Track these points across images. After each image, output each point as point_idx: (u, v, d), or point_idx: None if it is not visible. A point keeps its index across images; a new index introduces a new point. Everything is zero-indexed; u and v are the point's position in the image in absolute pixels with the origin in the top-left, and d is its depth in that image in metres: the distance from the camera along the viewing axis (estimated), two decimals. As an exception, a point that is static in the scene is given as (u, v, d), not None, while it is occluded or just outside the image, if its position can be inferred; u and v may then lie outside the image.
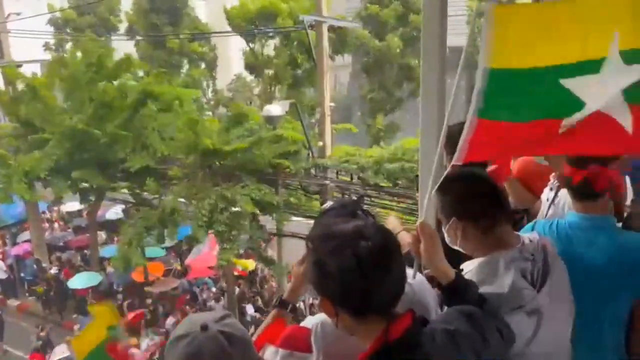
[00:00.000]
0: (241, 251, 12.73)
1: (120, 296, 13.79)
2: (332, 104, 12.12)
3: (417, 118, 2.04)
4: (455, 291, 1.43)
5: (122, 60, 13.09)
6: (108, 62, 12.70)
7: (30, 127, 12.91)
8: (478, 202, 1.61)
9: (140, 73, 14.57)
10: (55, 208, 18.44)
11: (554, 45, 1.39)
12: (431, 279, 1.56)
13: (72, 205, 16.88)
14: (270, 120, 11.47)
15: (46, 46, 24.16)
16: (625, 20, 1.36)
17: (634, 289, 1.80)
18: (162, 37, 21.91)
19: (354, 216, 1.57)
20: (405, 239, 1.67)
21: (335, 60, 18.84)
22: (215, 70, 25.02)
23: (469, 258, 1.69)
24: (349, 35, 17.93)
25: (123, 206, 15.92)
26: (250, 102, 21.80)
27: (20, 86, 13.51)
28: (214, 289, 13.90)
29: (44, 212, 17.88)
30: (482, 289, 1.50)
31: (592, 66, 1.38)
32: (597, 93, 1.40)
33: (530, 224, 2.07)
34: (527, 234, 1.73)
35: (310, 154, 11.85)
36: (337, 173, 11.88)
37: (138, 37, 22.95)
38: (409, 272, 1.49)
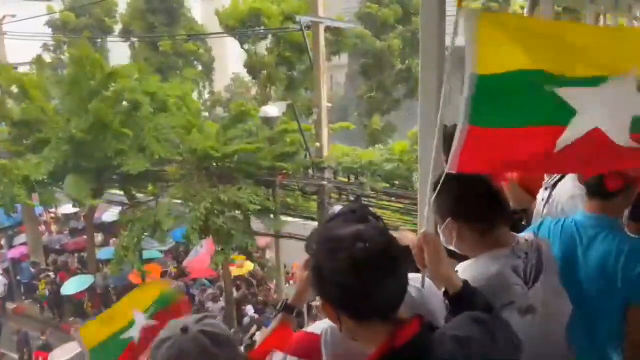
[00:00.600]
0: (236, 253, 12.77)
1: (116, 298, 13.75)
2: (329, 105, 12.11)
3: (413, 118, 2.04)
4: (463, 300, 1.40)
5: (118, 70, 13.04)
6: (102, 68, 12.61)
7: (25, 129, 12.86)
8: (475, 203, 1.61)
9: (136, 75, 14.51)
10: (52, 210, 18.37)
11: (544, 52, 1.37)
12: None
13: (68, 207, 16.81)
14: (268, 121, 11.46)
15: (44, 47, 24.10)
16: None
17: (627, 294, 1.78)
18: (158, 38, 21.88)
19: (363, 221, 1.54)
20: (407, 237, 1.66)
21: (332, 61, 18.84)
22: (212, 72, 25.00)
23: (466, 258, 1.69)
24: (347, 36, 17.93)
25: (120, 208, 15.87)
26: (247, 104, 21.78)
27: (15, 89, 13.45)
28: (211, 290, 13.88)
29: (40, 215, 17.81)
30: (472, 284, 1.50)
31: (592, 81, 1.36)
32: (591, 104, 1.37)
33: (538, 221, 2.07)
34: (523, 234, 1.73)
35: (308, 155, 11.85)
36: (334, 174, 11.88)
37: (133, 39, 22.90)
38: (416, 277, 1.47)
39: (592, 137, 1.40)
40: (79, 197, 12.00)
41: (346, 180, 12.04)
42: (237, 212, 11.13)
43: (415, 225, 2.18)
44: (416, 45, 19.51)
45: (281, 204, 11.61)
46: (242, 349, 10.42)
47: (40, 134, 12.40)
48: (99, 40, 23.03)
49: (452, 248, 1.67)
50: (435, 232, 1.70)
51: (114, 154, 11.71)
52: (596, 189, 1.85)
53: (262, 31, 16.49)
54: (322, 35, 11.32)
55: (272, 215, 11.51)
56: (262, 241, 14.03)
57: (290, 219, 12.03)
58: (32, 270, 15.35)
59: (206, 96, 24.96)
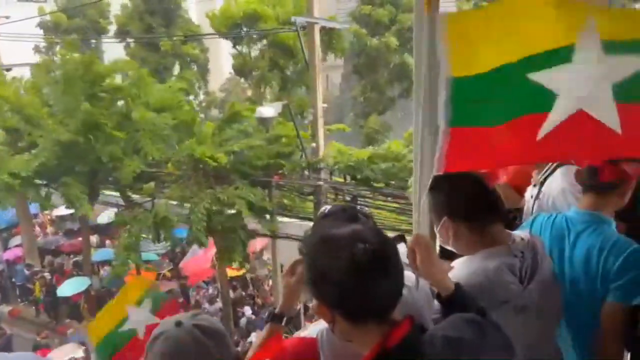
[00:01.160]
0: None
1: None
2: (325, 105, 12.12)
3: (409, 118, 2.04)
4: (455, 303, 1.40)
5: (109, 66, 12.96)
6: (95, 68, 12.54)
7: (17, 132, 12.79)
8: (470, 201, 1.61)
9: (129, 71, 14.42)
10: (47, 212, 18.30)
11: (516, 40, 1.35)
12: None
13: (63, 209, 16.75)
14: (263, 121, 11.44)
15: (36, 49, 24.01)
16: (601, 9, 1.34)
17: (610, 292, 1.76)
18: (153, 39, 21.83)
19: (353, 220, 1.55)
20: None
21: (327, 61, 18.86)
22: (207, 72, 24.99)
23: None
24: (341, 36, 17.94)
25: (115, 209, 15.82)
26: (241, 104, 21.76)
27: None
28: (208, 291, 13.87)
29: (36, 216, 17.73)
30: (467, 281, 1.50)
31: (562, 55, 1.34)
32: (570, 83, 1.35)
33: (531, 217, 2.08)
34: (519, 233, 1.73)
35: (304, 155, 11.85)
36: (330, 174, 11.89)
37: (129, 40, 22.85)
38: (408, 275, 1.48)
39: (577, 122, 1.38)
40: (73, 199, 11.95)
41: (342, 180, 12.04)
42: (234, 211, 11.14)
43: (411, 225, 2.18)
44: (407, 43, 19.66)
45: (277, 205, 11.60)
46: (238, 349, 10.42)
47: (30, 136, 12.32)
48: (93, 41, 22.97)
49: (449, 247, 1.67)
50: (431, 231, 1.71)
51: (108, 156, 11.67)
52: (590, 182, 1.84)
53: (256, 33, 16.50)
54: (317, 35, 11.34)
55: (268, 216, 11.50)
56: (259, 242, 14.02)
57: (286, 219, 12.02)
58: (27, 272, 15.29)
59: (201, 97, 24.94)
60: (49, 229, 18.48)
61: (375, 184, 11.31)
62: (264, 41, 17.05)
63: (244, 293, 13.81)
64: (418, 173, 1.67)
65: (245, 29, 16.80)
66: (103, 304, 12.84)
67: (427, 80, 1.86)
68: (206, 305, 12.92)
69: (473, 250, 1.63)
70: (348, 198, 11.10)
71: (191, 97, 22.56)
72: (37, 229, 17.77)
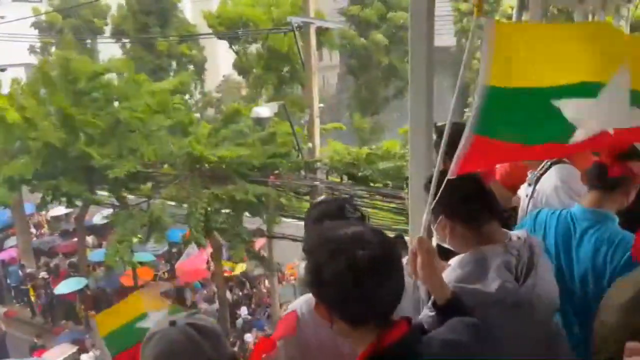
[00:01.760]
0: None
1: (108, 301, 13.64)
2: (321, 105, 12.12)
3: (404, 117, 2.05)
4: (451, 310, 1.40)
5: (103, 66, 12.90)
6: (87, 67, 12.48)
7: (10, 134, 12.72)
8: (466, 200, 1.62)
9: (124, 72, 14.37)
10: (42, 212, 18.23)
11: (553, 65, 1.38)
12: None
13: (58, 209, 16.68)
14: (259, 121, 11.43)
15: (31, 49, 23.90)
16: (636, 61, 1.36)
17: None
18: (148, 39, 21.77)
19: (340, 211, 1.59)
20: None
21: (323, 61, 18.88)
22: (203, 72, 24.94)
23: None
24: (332, 33, 17.94)
25: (111, 210, 15.76)
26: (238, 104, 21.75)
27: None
28: (204, 292, 13.85)
29: (31, 216, 17.64)
30: (470, 286, 1.51)
31: (589, 89, 1.37)
32: (590, 116, 1.39)
33: (534, 212, 2.09)
34: (515, 231, 1.74)
35: (300, 155, 11.85)
36: (327, 174, 11.89)
37: (124, 40, 22.78)
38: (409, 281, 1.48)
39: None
40: (69, 200, 11.93)
41: (338, 180, 12.06)
42: (231, 211, 11.13)
43: (407, 225, 2.19)
44: (399, 41, 19.69)
45: (274, 205, 11.59)
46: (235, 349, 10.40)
47: (23, 139, 12.28)
48: (89, 41, 22.89)
49: (446, 245, 1.68)
50: (428, 230, 1.72)
51: (100, 158, 11.64)
52: (596, 178, 1.85)
53: (252, 32, 16.50)
54: (313, 35, 11.35)
55: (265, 215, 11.51)
56: (256, 242, 14.00)
57: (283, 219, 12.01)
58: (21, 273, 15.21)
59: (197, 96, 24.89)
60: (44, 230, 18.40)
61: (372, 184, 11.34)
62: (259, 44, 17.07)
63: (240, 293, 13.79)
64: (414, 171, 1.68)
65: (241, 29, 16.81)
66: (100, 304, 12.90)
67: (424, 80, 1.87)
68: (204, 305, 12.90)
69: (470, 248, 1.64)
70: (345, 197, 11.10)
71: (187, 97, 22.56)
72: (33, 229, 17.69)
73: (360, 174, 11.26)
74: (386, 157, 11.33)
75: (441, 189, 1.47)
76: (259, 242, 14.08)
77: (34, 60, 21.36)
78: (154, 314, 4.15)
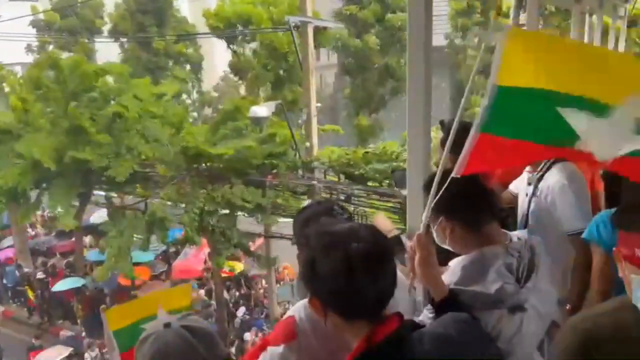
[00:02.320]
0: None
1: (106, 301, 13.60)
2: (319, 105, 12.11)
3: (402, 116, 2.05)
4: (448, 307, 1.41)
5: (100, 68, 12.86)
6: (82, 69, 12.44)
7: (7, 134, 12.69)
8: (466, 201, 1.61)
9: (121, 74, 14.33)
10: (39, 213, 18.17)
11: (564, 75, 1.41)
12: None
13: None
14: (257, 121, 11.41)
15: (28, 48, 23.83)
16: None
17: None
18: (146, 38, 21.72)
19: (329, 212, 1.61)
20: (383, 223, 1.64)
21: (321, 60, 18.83)
22: (200, 72, 24.89)
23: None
24: (327, 31, 17.93)
25: (111, 209, 15.73)
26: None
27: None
28: (201, 292, 13.81)
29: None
30: (469, 287, 1.50)
31: (596, 107, 1.39)
32: (594, 135, 1.40)
33: (594, 219, 2.09)
34: (516, 232, 1.74)
35: (298, 155, 11.85)
36: (324, 173, 11.89)
37: (122, 39, 22.73)
38: (401, 277, 1.48)
39: None
40: (63, 204, 11.91)
41: (336, 179, 12.05)
42: (229, 211, 11.12)
43: (404, 224, 2.19)
44: (396, 42, 19.67)
45: (271, 204, 11.58)
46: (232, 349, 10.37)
47: (18, 141, 12.23)
48: (86, 40, 22.82)
49: (445, 246, 1.68)
50: (426, 230, 1.72)
51: (97, 159, 11.61)
52: None
53: (250, 31, 16.47)
54: (310, 35, 11.34)
55: (262, 214, 11.49)
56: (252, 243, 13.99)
57: (280, 219, 12.01)
58: (17, 273, 15.17)
59: (195, 96, 24.85)
60: (41, 230, 18.34)
61: (370, 183, 11.33)
62: (257, 43, 17.05)
63: (237, 293, 13.78)
64: (411, 171, 1.68)
65: (239, 28, 16.78)
66: (97, 304, 12.84)
67: (422, 80, 1.87)
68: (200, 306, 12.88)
69: (469, 249, 1.64)
70: (342, 197, 11.10)
71: (184, 97, 22.54)
72: (30, 229, 17.63)
73: (357, 172, 11.25)
74: (384, 157, 11.32)
75: (443, 188, 1.48)
76: (257, 242, 14.07)
77: (31, 59, 21.27)
78: (164, 317, 4.13)
